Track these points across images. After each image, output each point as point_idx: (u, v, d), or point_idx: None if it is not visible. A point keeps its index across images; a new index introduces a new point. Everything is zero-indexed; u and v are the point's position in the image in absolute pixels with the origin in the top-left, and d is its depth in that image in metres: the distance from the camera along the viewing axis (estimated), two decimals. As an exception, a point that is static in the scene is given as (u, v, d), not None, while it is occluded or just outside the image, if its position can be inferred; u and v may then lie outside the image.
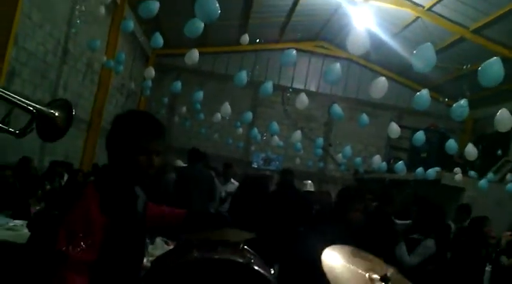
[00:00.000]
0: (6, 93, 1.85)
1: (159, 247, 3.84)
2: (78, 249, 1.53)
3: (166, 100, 13.49)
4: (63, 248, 1.52)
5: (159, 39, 6.80)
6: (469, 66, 7.40)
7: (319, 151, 13.69)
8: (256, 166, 16.06)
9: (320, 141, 12.94)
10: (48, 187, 6.26)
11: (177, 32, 6.50)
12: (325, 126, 16.79)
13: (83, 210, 1.61)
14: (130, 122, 1.82)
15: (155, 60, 15.34)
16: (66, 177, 7.24)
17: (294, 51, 5.83)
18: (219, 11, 4.39)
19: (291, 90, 13.56)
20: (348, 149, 10.96)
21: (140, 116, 1.88)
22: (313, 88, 16.57)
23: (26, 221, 3.91)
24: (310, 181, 7.37)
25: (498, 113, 5.56)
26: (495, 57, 4.18)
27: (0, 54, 6.37)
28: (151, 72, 9.37)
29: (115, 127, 1.82)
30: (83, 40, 9.06)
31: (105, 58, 9.67)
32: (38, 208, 5.20)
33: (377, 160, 9.89)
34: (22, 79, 7.33)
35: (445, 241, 5.40)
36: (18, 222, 4.23)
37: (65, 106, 2.02)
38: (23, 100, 1.89)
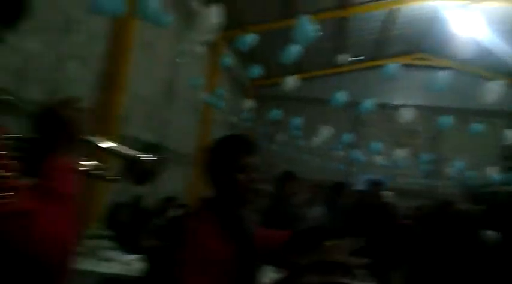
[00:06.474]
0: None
1: (266, 275, 3.75)
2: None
3: (266, 129, 13.56)
4: None
5: (256, 70, 6.93)
6: None
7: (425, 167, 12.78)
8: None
9: (425, 156, 12.11)
10: (156, 222, 6.45)
11: (273, 62, 6.59)
12: (432, 140, 15.77)
13: (203, 236, 1.63)
14: (223, 144, 1.83)
15: (253, 92, 15.64)
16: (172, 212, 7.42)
17: (396, 65, 5.60)
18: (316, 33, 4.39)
19: (392, 106, 12.99)
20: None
21: (231, 137, 1.88)
22: (417, 102, 15.58)
23: (139, 256, 4.09)
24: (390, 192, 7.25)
25: None
26: None
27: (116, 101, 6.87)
28: (250, 103, 9.50)
29: (210, 153, 1.83)
30: (184, 78, 9.49)
31: (205, 94, 9.98)
32: (149, 242, 5.35)
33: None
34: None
35: None
36: (130, 257, 4.34)
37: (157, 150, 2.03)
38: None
